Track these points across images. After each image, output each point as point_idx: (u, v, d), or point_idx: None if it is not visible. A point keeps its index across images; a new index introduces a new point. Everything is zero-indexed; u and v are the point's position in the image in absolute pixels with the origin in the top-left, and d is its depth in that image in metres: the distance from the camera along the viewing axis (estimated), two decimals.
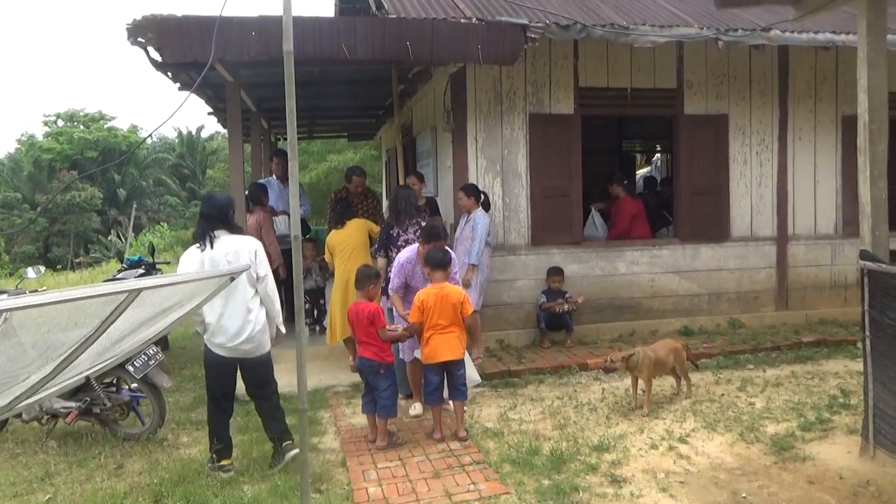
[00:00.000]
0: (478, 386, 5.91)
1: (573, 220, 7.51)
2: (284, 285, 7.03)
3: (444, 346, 4.78)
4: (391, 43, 5.84)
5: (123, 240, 27.51)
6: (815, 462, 4.30)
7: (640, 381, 5.38)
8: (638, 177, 13.57)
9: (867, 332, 4.17)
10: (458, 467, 4.37)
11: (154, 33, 5.31)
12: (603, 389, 5.91)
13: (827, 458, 4.34)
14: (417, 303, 4.81)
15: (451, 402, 5.01)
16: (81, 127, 36.40)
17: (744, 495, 3.90)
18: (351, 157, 20.65)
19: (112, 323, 1.57)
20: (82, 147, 34.73)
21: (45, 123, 36.77)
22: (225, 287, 2.62)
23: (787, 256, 8.07)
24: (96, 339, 1.57)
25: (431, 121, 8.40)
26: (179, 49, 5.37)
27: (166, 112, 74.45)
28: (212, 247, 4.25)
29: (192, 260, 4.28)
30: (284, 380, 6.42)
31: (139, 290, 1.55)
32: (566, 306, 7.19)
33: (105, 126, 36.90)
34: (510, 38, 6.12)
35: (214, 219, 4.30)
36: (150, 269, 8.06)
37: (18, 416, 5.13)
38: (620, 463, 4.36)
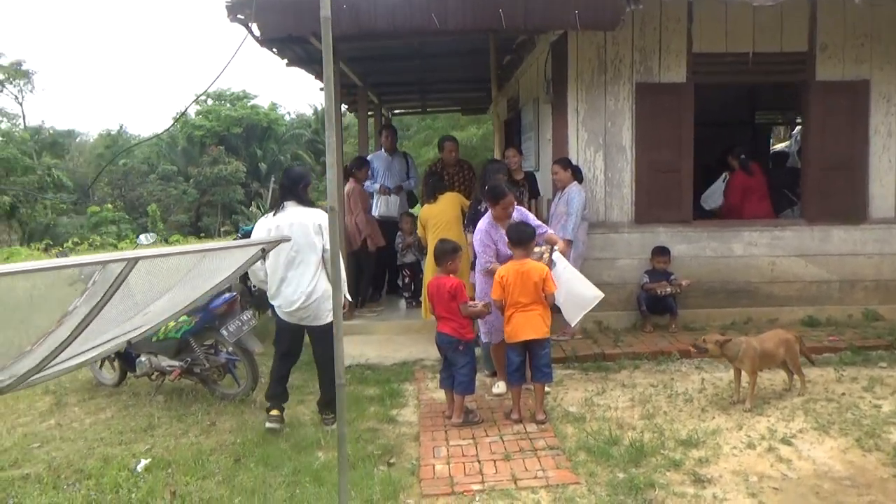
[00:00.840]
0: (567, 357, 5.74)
1: (682, 196, 6.98)
2: (378, 258, 7.13)
3: (527, 324, 4.60)
4: (483, 11, 5.64)
5: (262, 210, 29.58)
6: None
7: (745, 375, 4.92)
8: (774, 152, 12.44)
9: None
10: (530, 451, 4.21)
11: (251, 9, 5.46)
12: (703, 379, 5.48)
13: None
14: (497, 279, 4.66)
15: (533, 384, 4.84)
16: (228, 105, 39.04)
17: None
18: (474, 133, 20.53)
19: (114, 291, 1.59)
20: (228, 124, 37.24)
21: (197, 103, 39.88)
22: (258, 259, 2.63)
23: None
24: (101, 308, 1.60)
25: (534, 92, 8.11)
26: (274, 24, 5.49)
27: (300, 92, 78.06)
28: (278, 215, 4.43)
29: (262, 226, 4.54)
30: (374, 351, 6.61)
31: (136, 259, 1.55)
32: (669, 289, 6.72)
33: (248, 104, 39.36)
34: (610, 1, 5.71)
35: (286, 190, 4.43)
36: None
37: (133, 369, 5.58)
38: (708, 461, 4.01)
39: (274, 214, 4.54)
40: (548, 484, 3.77)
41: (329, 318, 4.50)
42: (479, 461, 4.10)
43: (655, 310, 6.81)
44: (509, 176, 7.45)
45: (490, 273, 4.83)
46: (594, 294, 5.04)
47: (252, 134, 38.30)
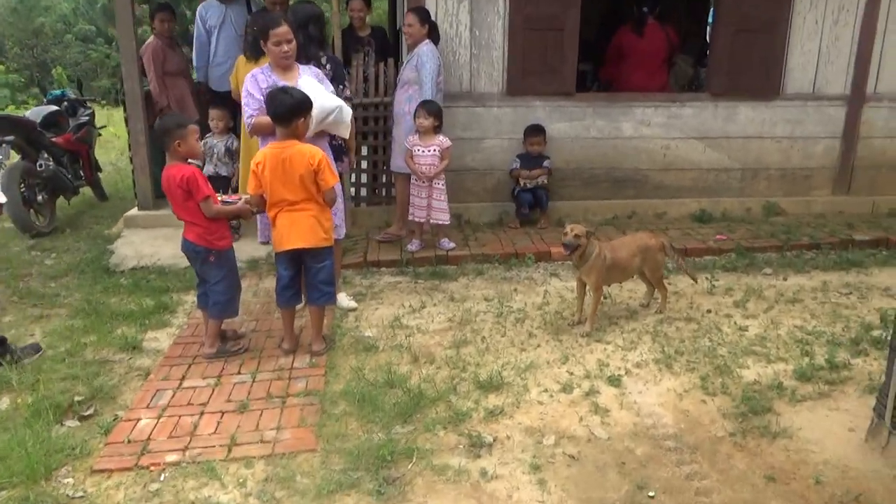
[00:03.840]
0: (399, 274, 4.71)
1: (566, 61, 5.68)
2: None
3: (292, 229, 3.44)
4: None
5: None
6: (793, 442, 2.85)
7: (589, 287, 3.94)
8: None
9: None
10: (278, 398, 3.19)
11: None
12: (547, 292, 4.50)
13: (813, 438, 2.87)
14: (252, 166, 3.43)
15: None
16: None
17: (651, 493, 2.54)
18: None
19: None
20: None
21: None
22: None
23: (860, 123, 6.02)
24: None
25: None
26: None
27: None
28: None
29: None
30: (173, 249, 5.39)
31: None
32: (540, 179, 5.61)
33: None
34: None
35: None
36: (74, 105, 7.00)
37: None
38: (503, 412, 3.06)
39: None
40: (272, 452, 2.77)
41: None
42: (202, 414, 3.07)
43: (529, 201, 5.71)
44: (351, 31, 6.00)
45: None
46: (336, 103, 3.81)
47: None
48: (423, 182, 4.92)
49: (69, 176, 6.43)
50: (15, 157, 6.13)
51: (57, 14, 32.47)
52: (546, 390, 3.25)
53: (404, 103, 5.11)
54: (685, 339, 3.78)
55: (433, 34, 5.16)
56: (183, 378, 3.40)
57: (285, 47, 3.69)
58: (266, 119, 3.53)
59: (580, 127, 5.84)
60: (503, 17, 5.56)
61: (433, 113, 4.84)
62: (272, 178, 3.35)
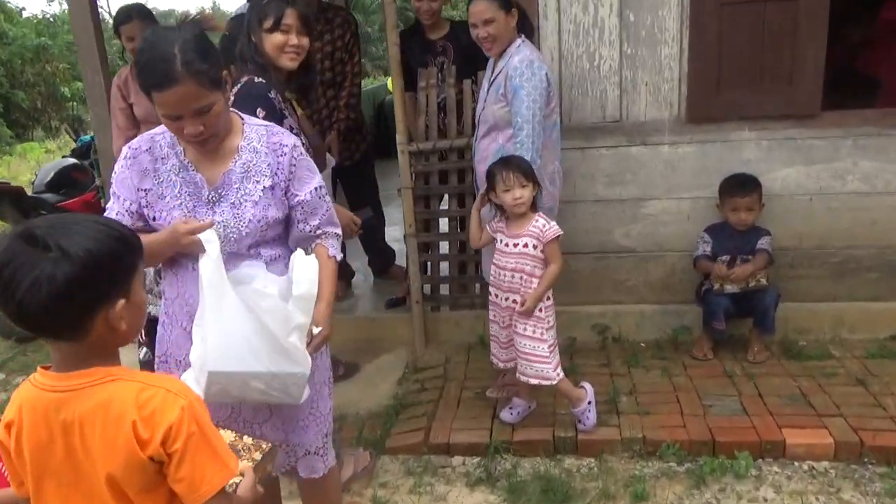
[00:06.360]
0: None
1: (803, 57, 3.07)
2: None
3: None
4: None
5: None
6: None
7: None
8: None
9: None
10: None
11: None
12: None
13: None
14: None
15: None
16: None
17: None
18: None
19: None
20: None
21: None
22: None
23: None
24: None
25: None
26: None
27: None
28: None
29: None
30: None
31: None
32: (752, 272, 3.07)
33: None
34: None
35: None
36: None
37: None
38: None
39: None
40: None
41: None
42: None
43: (731, 311, 3.18)
44: (419, 34, 3.81)
45: None
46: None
47: None
48: (504, 301, 2.61)
49: None
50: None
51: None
52: None
53: (492, 157, 2.81)
54: None
55: (525, 26, 2.86)
56: None
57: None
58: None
59: (829, 175, 3.21)
60: None
61: (525, 173, 2.53)
62: (37, 478, 1.22)
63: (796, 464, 2.57)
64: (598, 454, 2.61)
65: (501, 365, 2.73)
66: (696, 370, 3.09)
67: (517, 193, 2.48)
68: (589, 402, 2.63)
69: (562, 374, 2.62)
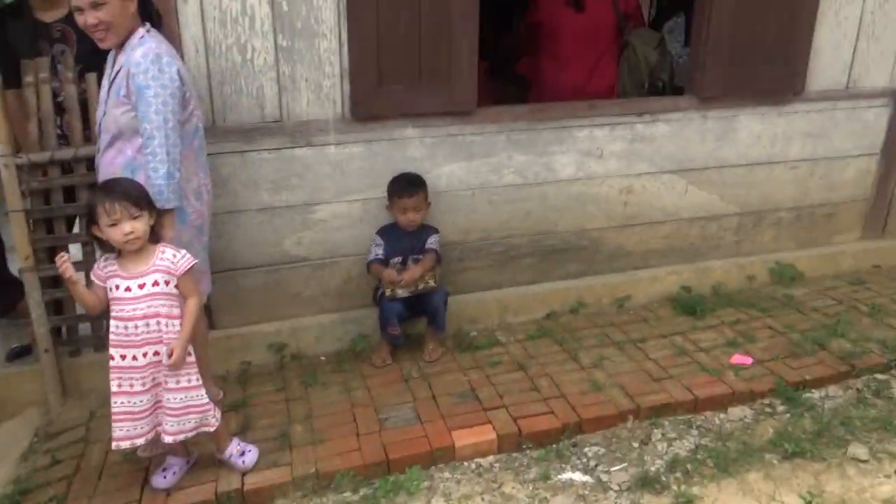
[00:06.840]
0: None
1: (458, 51, 3.08)
2: None
3: None
4: None
5: None
6: None
7: None
8: None
9: None
10: None
11: None
12: None
13: None
14: None
15: None
16: None
17: None
18: None
19: None
20: None
21: None
22: None
23: None
24: None
25: None
26: None
27: None
28: None
29: None
30: None
31: None
32: (422, 275, 3.08)
33: None
34: None
35: None
36: None
37: None
38: None
39: None
40: None
41: None
42: None
43: (404, 315, 3.16)
44: (26, 13, 3.07)
45: None
46: None
47: None
48: (143, 359, 2.24)
49: None
50: None
51: None
52: None
53: (121, 172, 2.35)
54: None
55: (148, 11, 2.44)
56: None
57: None
58: None
59: (487, 169, 3.33)
60: None
61: (136, 200, 2.14)
62: None
63: (465, 464, 2.67)
64: (269, 500, 2.42)
65: (142, 443, 2.26)
66: (375, 379, 3.05)
67: (127, 227, 2.07)
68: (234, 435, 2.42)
69: (219, 414, 2.36)
